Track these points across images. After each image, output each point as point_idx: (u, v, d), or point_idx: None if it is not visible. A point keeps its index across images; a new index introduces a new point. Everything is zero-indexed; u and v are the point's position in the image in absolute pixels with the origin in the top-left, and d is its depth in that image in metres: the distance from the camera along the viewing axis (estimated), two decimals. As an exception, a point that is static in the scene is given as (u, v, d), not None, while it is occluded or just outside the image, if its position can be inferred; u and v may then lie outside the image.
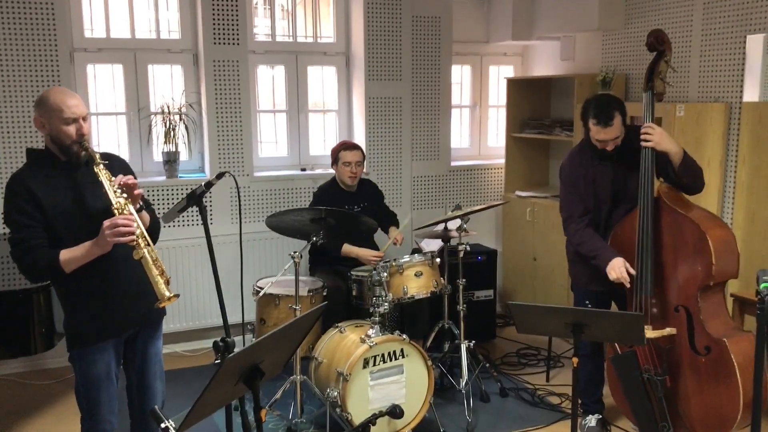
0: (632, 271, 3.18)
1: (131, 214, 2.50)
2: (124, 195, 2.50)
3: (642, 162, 3.15)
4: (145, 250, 2.46)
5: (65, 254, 2.46)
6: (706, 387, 3.05)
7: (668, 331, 3.12)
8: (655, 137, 3.11)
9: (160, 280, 2.44)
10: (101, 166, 2.50)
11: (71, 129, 2.49)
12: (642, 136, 3.13)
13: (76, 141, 2.50)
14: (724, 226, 3.15)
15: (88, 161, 2.53)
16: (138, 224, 2.48)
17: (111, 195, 2.48)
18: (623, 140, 3.29)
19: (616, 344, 3.29)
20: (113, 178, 2.52)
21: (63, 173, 2.54)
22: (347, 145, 4.38)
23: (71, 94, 2.54)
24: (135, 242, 2.45)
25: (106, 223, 2.43)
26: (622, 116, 3.24)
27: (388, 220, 4.56)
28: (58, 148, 2.53)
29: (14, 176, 2.53)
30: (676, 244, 3.13)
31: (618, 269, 3.18)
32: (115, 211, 2.47)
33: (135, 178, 2.64)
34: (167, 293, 2.43)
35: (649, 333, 3.10)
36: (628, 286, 3.18)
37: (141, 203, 2.62)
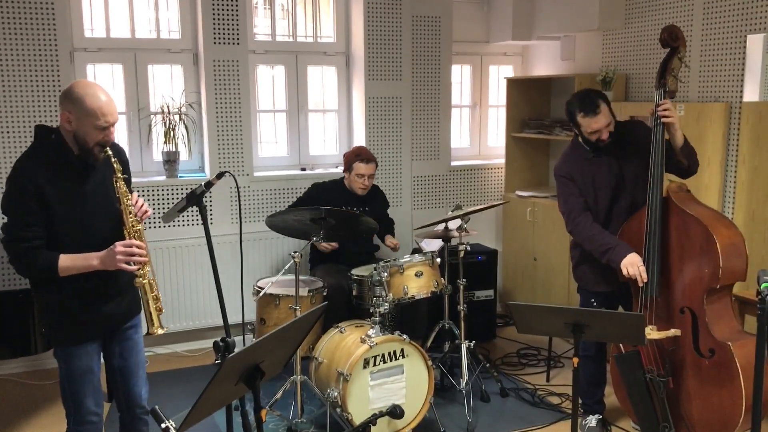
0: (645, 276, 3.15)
1: (143, 239, 2.50)
2: (138, 217, 2.51)
3: (653, 143, 3.12)
4: (147, 279, 2.48)
5: (65, 261, 2.44)
6: (709, 389, 3.04)
7: (672, 332, 3.10)
8: (675, 113, 3.12)
9: (155, 313, 2.49)
10: (121, 181, 2.49)
11: (101, 135, 2.45)
12: (662, 113, 3.10)
13: (99, 144, 2.47)
14: (733, 227, 3.13)
15: (103, 162, 2.51)
16: (147, 251, 2.49)
17: (125, 216, 2.49)
18: (615, 133, 3.30)
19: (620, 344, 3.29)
20: (130, 197, 2.52)
21: (73, 171, 2.50)
22: (363, 157, 4.30)
23: (107, 99, 2.46)
24: (140, 270, 2.47)
25: (120, 247, 2.43)
26: (606, 104, 3.26)
27: (386, 227, 4.57)
28: (78, 146, 2.48)
29: (23, 167, 2.45)
30: (683, 245, 3.11)
31: (634, 266, 3.13)
32: (126, 234, 2.48)
33: (128, 166, 2.67)
34: (157, 329, 2.49)
35: (654, 334, 3.09)
36: (641, 284, 3.14)
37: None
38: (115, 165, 2.47)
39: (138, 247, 2.45)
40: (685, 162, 3.23)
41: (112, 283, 2.58)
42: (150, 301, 2.48)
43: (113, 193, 2.50)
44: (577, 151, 3.43)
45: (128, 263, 2.44)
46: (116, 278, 2.57)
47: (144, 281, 2.47)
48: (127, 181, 2.61)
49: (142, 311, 2.75)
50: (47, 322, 2.63)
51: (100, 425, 2.68)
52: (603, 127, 3.24)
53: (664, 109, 3.10)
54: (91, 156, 2.49)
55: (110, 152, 2.47)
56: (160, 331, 2.50)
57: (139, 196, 2.66)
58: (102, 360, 2.72)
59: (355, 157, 4.33)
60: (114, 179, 2.48)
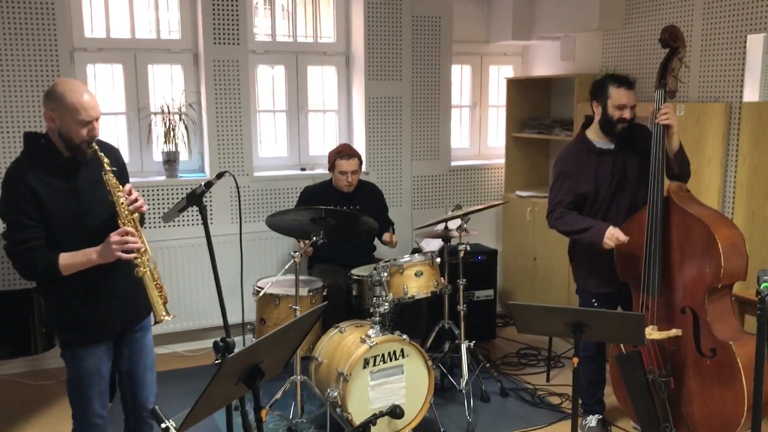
0: (624, 238, 3.19)
1: (138, 229, 2.50)
2: (131, 207, 2.51)
3: (654, 143, 3.14)
4: (148, 269, 2.48)
5: (65, 258, 2.44)
6: (710, 389, 3.04)
7: (674, 332, 3.11)
8: (674, 115, 3.14)
9: (159, 301, 2.49)
10: (110, 174, 2.49)
11: (84, 130, 2.46)
12: (662, 115, 3.12)
13: (85, 140, 2.47)
14: (734, 227, 3.13)
15: (93, 159, 2.51)
16: (144, 240, 2.48)
17: (118, 207, 2.49)
18: (625, 131, 3.33)
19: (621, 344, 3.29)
20: (121, 187, 2.51)
21: (65, 171, 2.51)
22: (343, 153, 4.30)
23: (88, 94, 2.47)
24: (138, 259, 2.46)
25: (114, 237, 2.43)
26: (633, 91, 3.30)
27: (383, 226, 4.48)
28: (65, 145, 2.49)
29: (14, 172, 2.47)
30: (684, 245, 3.11)
31: (613, 239, 3.19)
32: (121, 225, 2.48)
33: (125, 167, 2.68)
34: (164, 315, 2.48)
35: (655, 334, 3.09)
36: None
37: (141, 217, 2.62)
38: (102, 158, 2.47)
39: (131, 235, 2.45)
40: (676, 169, 3.26)
41: (112, 282, 2.58)
42: (153, 290, 2.48)
43: (106, 188, 2.50)
44: (582, 146, 3.43)
45: (126, 252, 2.44)
46: (117, 277, 2.57)
47: (144, 270, 2.47)
48: (120, 175, 2.60)
49: (150, 315, 2.76)
50: (54, 323, 2.65)
51: (104, 427, 2.69)
52: (630, 105, 3.26)
53: (666, 111, 3.12)
54: (79, 153, 2.49)
55: (96, 147, 2.48)
56: (168, 318, 2.50)
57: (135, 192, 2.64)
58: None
59: (336, 154, 4.33)
60: (103, 172, 2.49)
